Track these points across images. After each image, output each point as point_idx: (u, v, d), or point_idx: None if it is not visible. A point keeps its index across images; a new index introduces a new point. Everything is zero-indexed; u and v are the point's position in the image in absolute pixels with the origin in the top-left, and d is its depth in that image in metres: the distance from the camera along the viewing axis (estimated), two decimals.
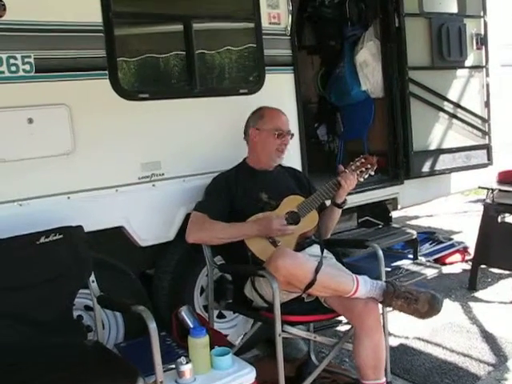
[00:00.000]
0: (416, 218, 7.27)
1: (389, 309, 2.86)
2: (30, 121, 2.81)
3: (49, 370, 2.29)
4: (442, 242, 5.54)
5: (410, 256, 4.86)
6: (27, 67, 2.80)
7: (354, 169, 3.07)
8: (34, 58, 2.82)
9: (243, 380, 2.53)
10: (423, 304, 2.59)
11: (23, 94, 2.81)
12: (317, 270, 2.60)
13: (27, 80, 2.81)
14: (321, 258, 2.79)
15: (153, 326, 2.20)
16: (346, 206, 3.17)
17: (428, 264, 4.73)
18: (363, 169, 3.07)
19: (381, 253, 3.01)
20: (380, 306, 2.72)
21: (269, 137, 3.11)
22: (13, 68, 2.75)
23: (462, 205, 7.98)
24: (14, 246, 2.55)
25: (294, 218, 2.97)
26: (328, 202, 3.17)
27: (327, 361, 2.89)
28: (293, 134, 3.22)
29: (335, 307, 2.75)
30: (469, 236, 5.57)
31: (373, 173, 3.12)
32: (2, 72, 2.73)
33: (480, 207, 4.90)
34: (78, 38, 2.96)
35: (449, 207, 7.78)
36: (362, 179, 3.09)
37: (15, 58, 2.76)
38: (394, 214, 5.04)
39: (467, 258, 5.37)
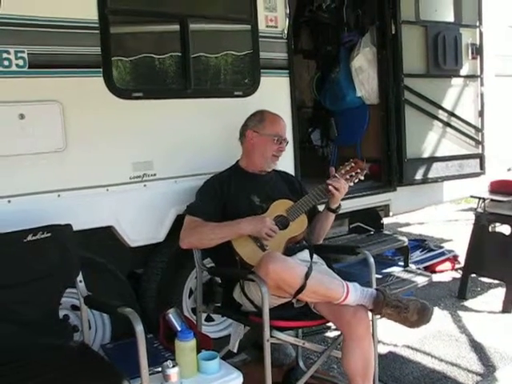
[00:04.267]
0: (407, 225, 7.29)
1: (378, 316, 2.85)
2: (22, 116, 2.78)
3: (32, 371, 2.27)
4: (432, 250, 5.56)
5: (401, 263, 4.85)
6: (20, 62, 2.77)
7: (344, 173, 3.04)
8: (28, 54, 2.79)
9: None
10: (413, 313, 2.57)
11: (15, 90, 2.78)
12: (307, 276, 2.58)
13: (20, 75, 2.78)
14: (310, 263, 2.77)
15: (139, 329, 2.17)
16: (340, 211, 3.14)
17: (418, 272, 4.71)
18: (353, 173, 3.05)
19: (372, 260, 2.98)
20: (370, 313, 2.71)
21: (267, 142, 3.09)
22: (5, 62, 2.72)
23: (453, 213, 8.01)
24: (1, 243, 2.51)
25: (282, 222, 2.95)
26: (322, 207, 3.14)
27: (315, 367, 2.87)
28: (288, 142, 3.21)
29: (324, 314, 2.73)
30: (459, 245, 5.59)
31: (362, 177, 3.09)
32: None
33: (471, 216, 4.91)
34: (73, 35, 2.93)
35: (440, 215, 7.80)
36: (351, 184, 3.07)
37: (8, 53, 2.73)
38: (386, 221, 5.03)
39: (457, 266, 5.40)
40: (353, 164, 3.07)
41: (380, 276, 4.43)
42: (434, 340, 3.89)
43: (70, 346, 2.63)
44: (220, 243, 2.86)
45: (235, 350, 3.00)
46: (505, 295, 4.40)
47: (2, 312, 2.49)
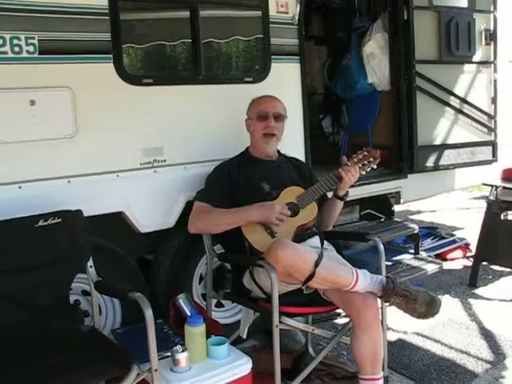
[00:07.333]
0: (419, 212, 7.27)
1: (387, 304, 2.85)
2: (33, 103, 2.78)
3: (43, 355, 2.28)
4: (443, 238, 5.55)
5: (411, 251, 4.84)
6: (31, 48, 2.77)
7: (357, 161, 3.02)
8: (38, 40, 2.78)
9: (239, 370, 2.54)
10: (421, 305, 2.57)
11: (26, 76, 2.78)
12: (317, 263, 2.58)
13: (30, 61, 2.78)
14: (321, 250, 2.77)
15: (149, 314, 2.18)
16: (348, 199, 3.13)
17: (429, 259, 4.70)
18: (365, 162, 3.03)
19: (382, 246, 2.98)
20: (379, 300, 2.71)
21: (254, 122, 3.12)
22: (16, 49, 2.72)
23: (465, 201, 7.98)
24: (12, 228, 2.53)
25: (292, 210, 2.94)
26: (330, 194, 3.14)
27: (324, 353, 2.88)
28: (284, 117, 3.15)
29: (334, 300, 2.73)
30: (471, 232, 5.57)
31: (375, 166, 3.08)
32: (5, 52, 2.70)
33: (483, 204, 4.88)
34: (84, 21, 2.93)
35: (452, 203, 7.77)
36: (363, 172, 3.05)
37: (19, 39, 2.73)
38: (397, 208, 5.02)
39: (468, 254, 5.39)
40: (366, 152, 3.04)
41: (390, 263, 4.43)
42: (444, 327, 3.88)
43: (81, 330, 2.65)
44: (229, 229, 2.86)
45: (244, 336, 3.01)
46: None
47: (13, 296, 2.51)
